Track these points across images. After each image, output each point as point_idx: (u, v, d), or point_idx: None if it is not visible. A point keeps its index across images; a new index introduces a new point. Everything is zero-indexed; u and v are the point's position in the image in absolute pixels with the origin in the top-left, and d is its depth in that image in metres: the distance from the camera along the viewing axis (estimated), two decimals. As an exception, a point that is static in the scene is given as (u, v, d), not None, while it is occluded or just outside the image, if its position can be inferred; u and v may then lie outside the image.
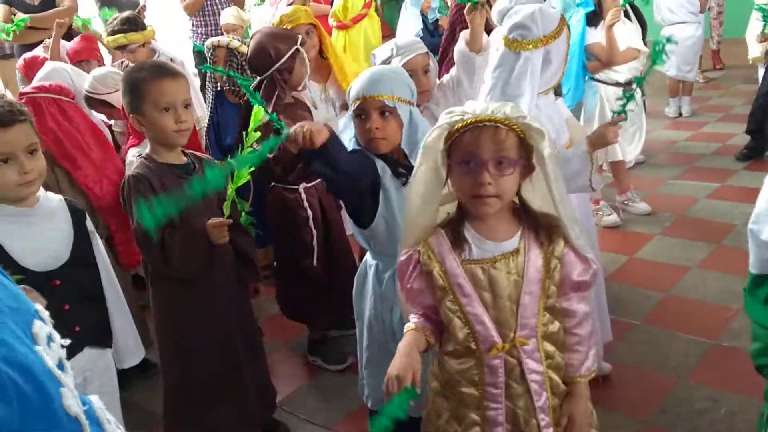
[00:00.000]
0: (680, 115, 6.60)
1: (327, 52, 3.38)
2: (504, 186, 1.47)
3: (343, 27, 3.92)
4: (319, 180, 2.90)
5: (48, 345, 0.72)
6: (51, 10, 4.78)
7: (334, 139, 1.84)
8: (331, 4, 4.45)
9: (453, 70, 2.83)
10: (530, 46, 2.29)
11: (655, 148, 5.58)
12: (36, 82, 3.12)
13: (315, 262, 2.84)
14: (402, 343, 1.53)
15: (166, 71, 2.15)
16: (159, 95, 2.09)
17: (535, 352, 1.53)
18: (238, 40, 3.66)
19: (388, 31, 4.66)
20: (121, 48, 3.95)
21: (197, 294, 2.23)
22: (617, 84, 4.13)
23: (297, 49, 2.80)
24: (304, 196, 2.84)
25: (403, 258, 1.58)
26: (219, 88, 3.49)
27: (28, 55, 4.08)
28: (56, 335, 0.76)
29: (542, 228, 1.53)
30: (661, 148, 5.64)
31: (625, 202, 4.39)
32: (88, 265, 2.01)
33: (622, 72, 4.09)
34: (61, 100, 2.73)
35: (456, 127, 1.46)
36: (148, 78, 2.11)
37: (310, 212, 2.83)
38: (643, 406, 2.52)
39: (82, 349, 1.95)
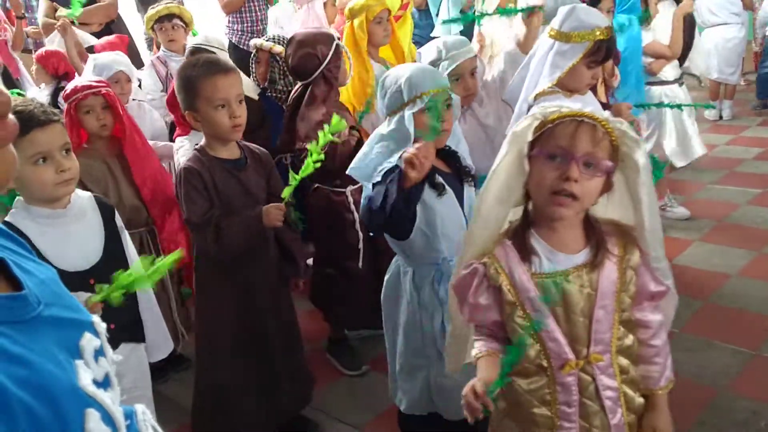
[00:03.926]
0: (721, 118, 6.48)
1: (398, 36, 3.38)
2: (588, 189, 1.38)
3: None
4: None
5: (95, 359, 0.72)
6: (92, 6, 4.84)
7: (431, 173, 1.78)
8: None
9: (496, 70, 2.80)
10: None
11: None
12: (118, 66, 3.27)
13: (361, 264, 2.85)
14: (479, 373, 1.46)
15: (219, 67, 2.16)
16: (213, 92, 2.10)
17: (609, 368, 1.46)
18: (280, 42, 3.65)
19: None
20: (163, 20, 3.97)
21: (236, 285, 2.27)
22: (674, 81, 4.08)
23: (338, 45, 2.81)
24: (351, 199, 2.83)
25: (465, 272, 1.49)
26: (261, 88, 3.51)
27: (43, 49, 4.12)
28: (108, 349, 0.76)
29: (615, 238, 1.46)
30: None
31: (662, 206, 4.31)
32: (120, 261, 2.01)
33: (672, 69, 4.03)
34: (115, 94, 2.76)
35: (550, 118, 1.38)
36: (201, 75, 2.12)
37: (357, 215, 2.82)
38: (682, 417, 2.44)
39: (118, 346, 1.97)
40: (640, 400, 1.53)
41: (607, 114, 1.39)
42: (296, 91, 2.87)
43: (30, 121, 1.74)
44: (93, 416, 0.66)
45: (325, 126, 1.97)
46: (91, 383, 0.69)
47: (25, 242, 0.79)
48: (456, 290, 1.55)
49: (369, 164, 1.96)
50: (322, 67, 2.75)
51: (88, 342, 0.72)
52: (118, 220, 2.06)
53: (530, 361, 1.46)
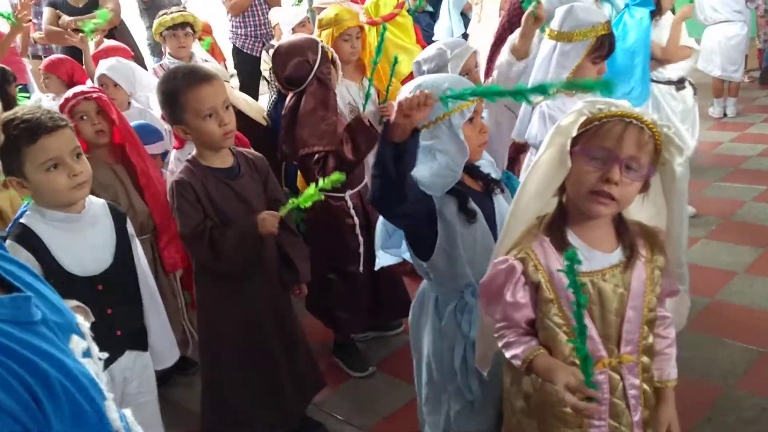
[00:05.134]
0: (725, 115, 6.45)
1: (364, 50, 3.35)
2: (627, 192, 1.37)
3: (373, 24, 3.89)
4: (363, 185, 2.90)
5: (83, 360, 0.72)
6: (95, 12, 4.86)
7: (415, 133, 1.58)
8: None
9: (494, 75, 2.79)
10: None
11: (700, 149, 5.43)
12: (101, 70, 3.32)
13: (361, 268, 2.84)
14: (553, 366, 1.41)
15: (201, 76, 2.10)
16: (199, 103, 2.05)
17: (634, 367, 1.47)
18: None
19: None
20: (177, 28, 3.97)
21: (237, 292, 2.25)
22: (669, 82, 4.05)
23: (323, 47, 2.79)
24: (350, 203, 2.83)
25: (501, 267, 1.45)
26: (274, 100, 3.53)
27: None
28: (94, 349, 0.76)
29: (642, 239, 1.45)
30: (705, 149, 5.50)
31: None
32: (129, 269, 2.03)
33: (674, 69, 4.01)
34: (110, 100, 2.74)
35: (598, 115, 1.35)
36: (184, 87, 2.06)
37: (356, 219, 2.82)
38: (689, 414, 2.44)
39: (123, 353, 1.97)
40: (653, 396, 1.55)
41: (655, 117, 1.37)
42: (290, 100, 2.83)
43: (38, 128, 1.74)
44: (111, 408, 0.67)
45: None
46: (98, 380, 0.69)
47: (2, 243, 0.79)
48: (486, 287, 1.50)
49: (413, 173, 1.76)
50: (314, 71, 2.72)
51: (77, 344, 0.72)
52: (130, 228, 2.05)
53: (563, 359, 1.44)
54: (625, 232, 1.45)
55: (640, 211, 1.49)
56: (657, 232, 1.48)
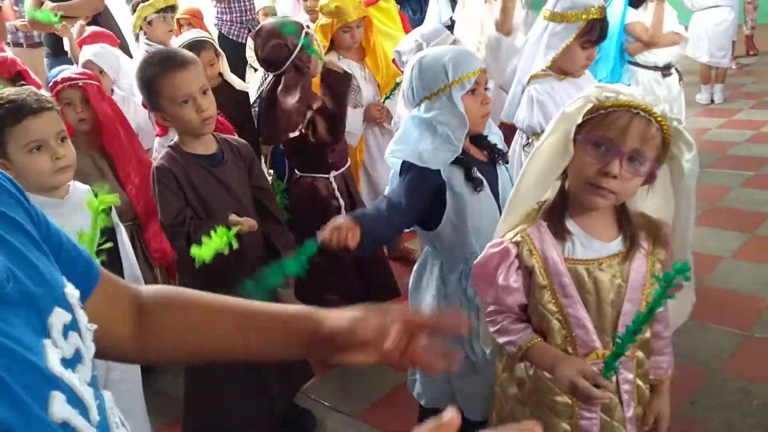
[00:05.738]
0: (712, 102, 6.47)
1: (370, 34, 3.32)
2: (626, 187, 1.32)
3: None
4: (346, 166, 2.89)
5: (65, 335, 0.68)
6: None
7: (366, 233, 1.64)
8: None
9: (480, 56, 2.78)
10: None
11: (687, 136, 5.47)
12: (86, 56, 3.27)
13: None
14: (556, 354, 1.40)
15: (176, 61, 2.05)
16: (173, 90, 2.01)
17: (629, 362, 1.44)
18: None
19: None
20: (167, 11, 3.92)
21: (221, 283, 2.21)
22: (655, 68, 4.04)
23: (307, 33, 2.75)
24: (335, 185, 2.81)
25: (495, 250, 1.43)
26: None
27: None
28: (81, 319, 0.72)
29: (645, 231, 1.41)
30: (693, 136, 5.48)
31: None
32: (113, 257, 2.00)
33: (661, 55, 4.00)
34: (100, 86, 2.71)
35: (605, 103, 1.30)
36: (159, 73, 2.03)
37: (342, 201, 2.82)
38: (674, 398, 2.41)
39: None
40: (647, 392, 1.53)
41: (665, 108, 1.32)
42: (269, 83, 2.81)
43: (23, 109, 1.74)
44: (58, 398, 0.62)
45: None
46: (59, 363, 0.65)
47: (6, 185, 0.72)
48: (479, 269, 1.48)
49: (416, 147, 1.81)
50: (293, 57, 2.67)
51: (58, 318, 0.67)
52: (114, 216, 2.04)
53: (556, 346, 1.42)
54: (626, 223, 1.42)
55: (647, 201, 1.45)
56: (660, 225, 1.44)
